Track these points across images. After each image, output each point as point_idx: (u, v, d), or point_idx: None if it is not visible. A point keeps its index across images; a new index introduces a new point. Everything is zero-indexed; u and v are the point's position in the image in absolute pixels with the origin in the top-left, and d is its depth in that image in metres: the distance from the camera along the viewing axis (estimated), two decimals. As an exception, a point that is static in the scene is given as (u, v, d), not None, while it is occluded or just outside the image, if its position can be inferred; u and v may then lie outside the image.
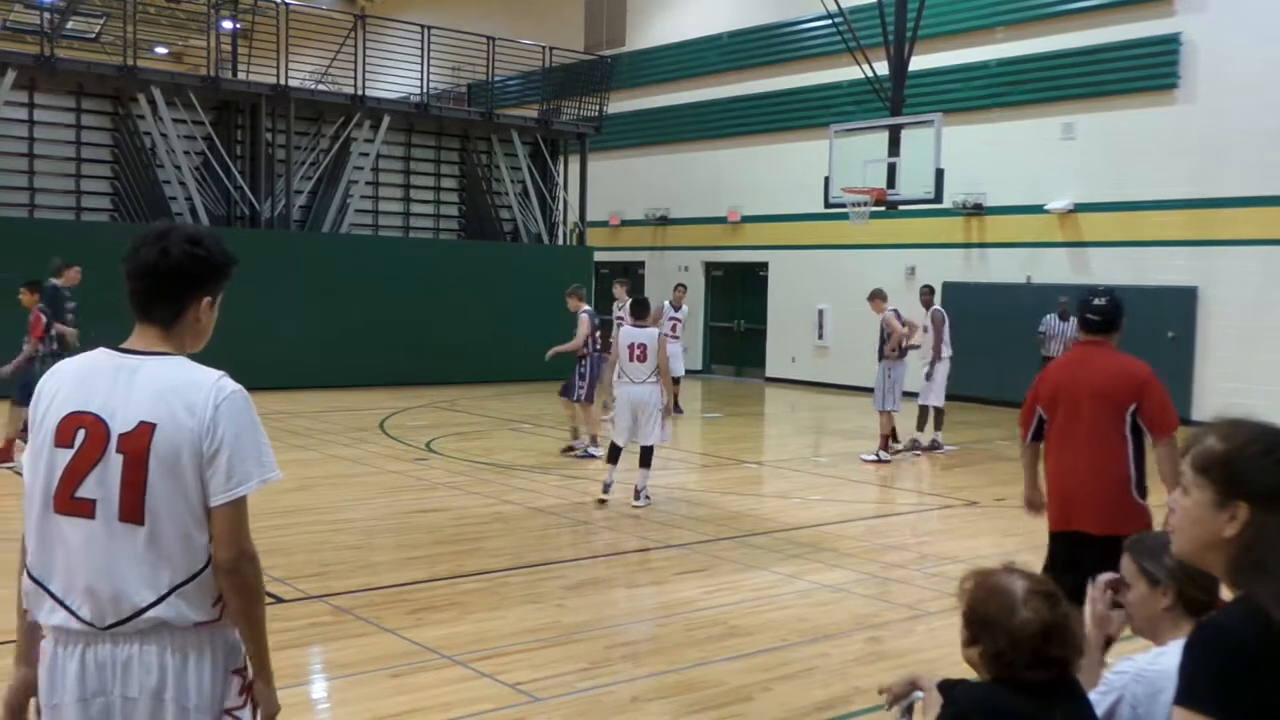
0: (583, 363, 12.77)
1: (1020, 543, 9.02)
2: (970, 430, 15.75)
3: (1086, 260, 18.36)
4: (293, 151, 20.11)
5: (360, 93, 20.87)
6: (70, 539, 2.53)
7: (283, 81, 20.00)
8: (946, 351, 13.98)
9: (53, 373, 2.66)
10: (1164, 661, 2.72)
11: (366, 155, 21.20)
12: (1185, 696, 1.83)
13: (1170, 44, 17.31)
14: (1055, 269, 18.67)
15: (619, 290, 15.09)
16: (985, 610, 2.56)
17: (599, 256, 24.41)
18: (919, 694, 3.09)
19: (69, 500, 2.53)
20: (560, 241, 23.77)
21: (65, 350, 11.16)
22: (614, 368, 10.30)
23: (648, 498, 10.09)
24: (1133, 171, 17.67)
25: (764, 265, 23.64)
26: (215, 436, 2.53)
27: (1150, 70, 17.53)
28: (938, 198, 15.73)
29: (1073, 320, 15.60)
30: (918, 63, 17.83)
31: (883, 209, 17.19)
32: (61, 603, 2.54)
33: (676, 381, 17.02)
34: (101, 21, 23.80)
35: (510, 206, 23.00)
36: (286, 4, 20.33)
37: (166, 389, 2.54)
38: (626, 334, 10.29)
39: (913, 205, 17.06)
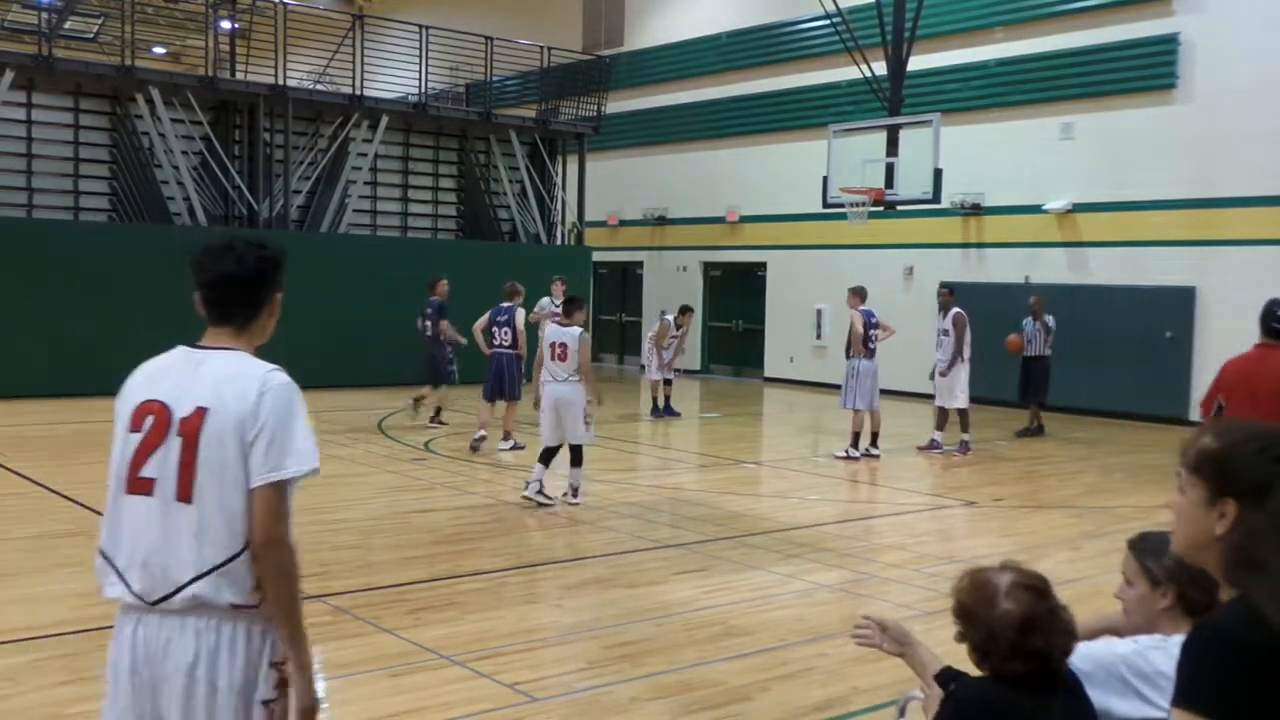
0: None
1: (1018, 543, 9.04)
2: (972, 430, 15.75)
3: (1085, 260, 18.37)
4: (291, 151, 20.10)
5: (358, 93, 20.87)
6: (134, 517, 2.75)
7: (281, 81, 19.99)
8: (967, 353, 13.98)
9: (141, 366, 2.91)
10: (1166, 649, 2.71)
11: (365, 155, 21.20)
12: (1182, 697, 1.83)
13: (1168, 44, 17.32)
14: (1054, 269, 18.68)
15: (557, 288, 15.06)
16: (970, 604, 2.58)
17: (597, 256, 24.41)
18: (915, 694, 3.09)
19: (135, 480, 2.76)
20: (559, 241, 23.76)
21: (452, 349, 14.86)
22: (539, 367, 10.18)
23: (580, 494, 10.05)
24: (1131, 171, 17.68)
25: (762, 265, 23.64)
26: (258, 423, 2.72)
27: (1149, 70, 17.54)
28: (936, 198, 15.72)
29: (1047, 318, 15.59)
30: (916, 63, 17.82)
31: (881, 209, 17.17)
32: (121, 576, 2.74)
33: (668, 383, 17.11)
34: (99, 21, 23.77)
35: (508, 206, 22.99)
36: (284, 4, 20.32)
37: (223, 378, 2.77)
38: (550, 332, 10.34)
39: (911, 205, 17.05)
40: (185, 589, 2.69)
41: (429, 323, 14.94)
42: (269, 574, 2.72)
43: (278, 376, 2.82)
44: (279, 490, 2.72)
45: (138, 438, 2.77)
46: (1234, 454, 1.92)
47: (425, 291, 15.28)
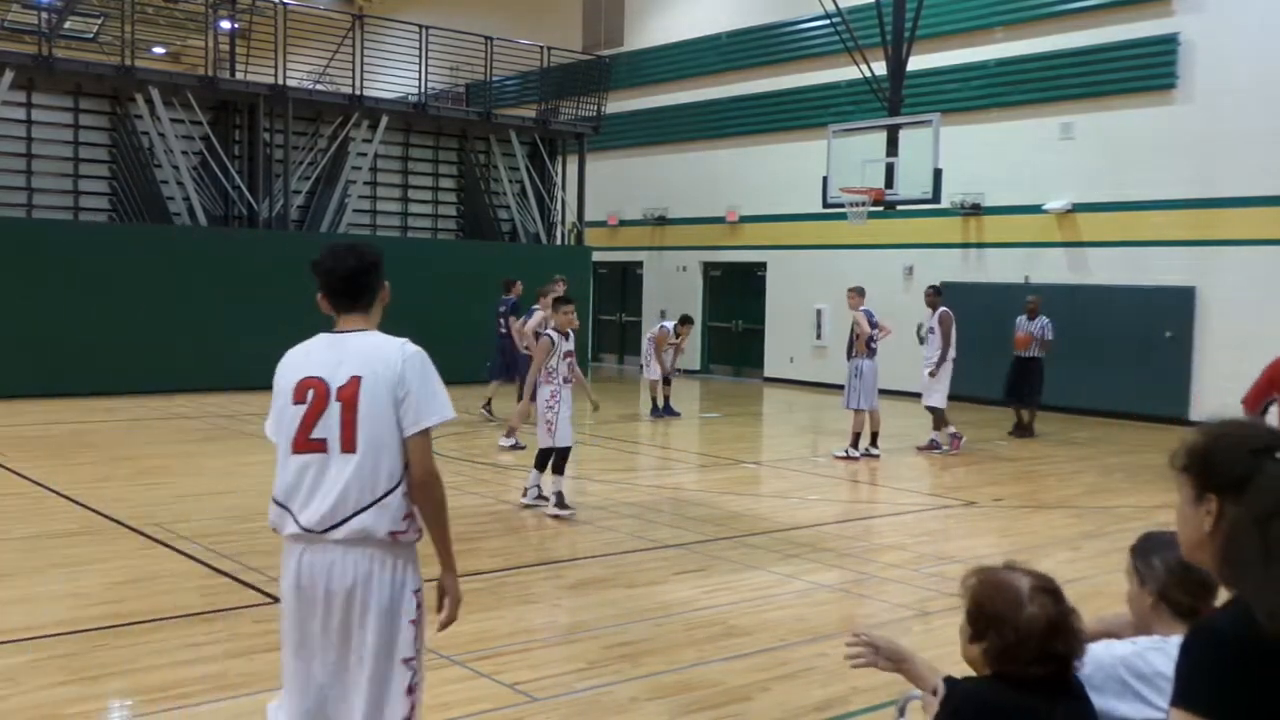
0: None
1: (1018, 543, 9.04)
2: (967, 430, 15.74)
3: (1085, 260, 18.37)
4: (291, 151, 20.10)
5: (358, 93, 20.86)
6: (305, 469, 3.44)
7: (281, 81, 19.99)
8: (952, 353, 13.98)
9: (289, 353, 3.61)
10: (1165, 649, 2.72)
11: (364, 155, 21.20)
12: (1181, 698, 1.83)
13: (1168, 44, 17.32)
14: (1053, 269, 18.68)
15: (559, 288, 14.92)
16: (992, 606, 2.57)
17: (597, 256, 24.41)
18: (915, 694, 3.08)
19: (305, 441, 3.44)
20: (559, 241, 23.76)
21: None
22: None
23: (560, 507, 9.52)
24: (1131, 171, 17.68)
25: (762, 265, 23.64)
26: (404, 384, 3.42)
27: (1148, 70, 17.54)
28: (936, 198, 15.72)
29: (1041, 319, 15.54)
30: (916, 63, 17.83)
31: (881, 209, 17.18)
32: (295, 518, 3.44)
33: (667, 383, 17.10)
34: (99, 21, 23.76)
35: (508, 206, 22.99)
36: (284, 4, 20.32)
37: (369, 351, 3.47)
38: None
39: (911, 205, 17.06)
40: (351, 520, 3.37)
41: (503, 320, 15.90)
42: (425, 500, 3.46)
43: (411, 346, 3.50)
44: (426, 437, 3.44)
45: (302, 408, 3.45)
46: (1216, 448, 1.91)
47: (500, 290, 16.47)
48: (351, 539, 3.38)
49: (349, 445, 3.39)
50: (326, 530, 3.38)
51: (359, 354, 3.46)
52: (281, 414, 3.50)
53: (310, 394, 3.44)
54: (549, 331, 9.96)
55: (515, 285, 16.24)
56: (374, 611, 3.40)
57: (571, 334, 10.03)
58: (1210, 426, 1.97)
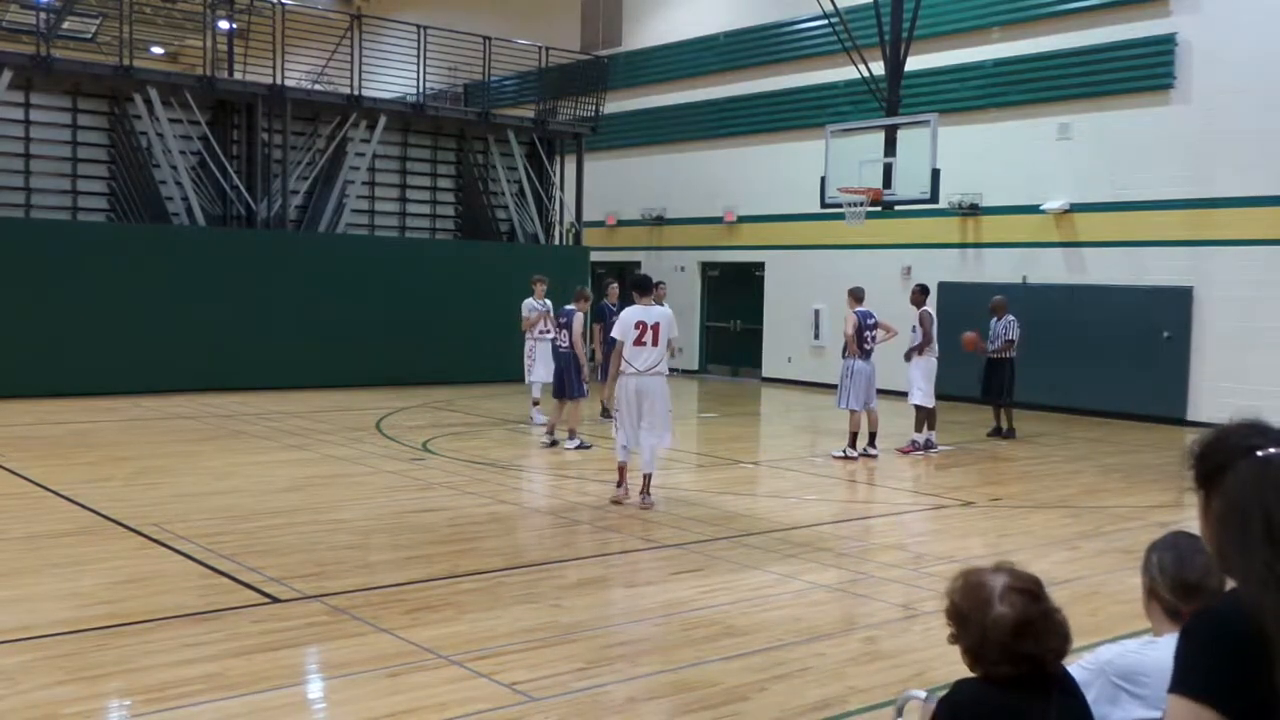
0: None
1: (1015, 543, 9.04)
2: (966, 430, 15.77)
3: (1082, 260, 18.39)
4: (289, 151, 20.10)
5: (356, 93, 20.87)
6: (642, 352, 9.98)
7: (279, 81, 20.00)
8: (935, 350, 14.04)
9: (629, 309, 10.23)
10: (1153, 650, 2.74)
11: (363, 155, 21.20)
12: (1178, 684, 1.83)
13: (1165, 44, 17.34)
14: (1051, 269, 18.70)
15: (542, 287, 15.47)
16: (963, 605, 2.58)
17: (595, 256, 24.42)
18: (913, 694, 3.09)
19: (639, 341, 9.97)
20: (557, 241, 23.78)
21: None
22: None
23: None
24: (1128, 171, 17.70)
25: (760, 265, 23.65)
26: (670, 324, 10.26)
27: (1146, 70, 17.55)
28: (933, 198, 15.72)
29: (1007, 317, 15.51)
30: (914, 63, 17.84)
31: (879, 209, 17.19)
32: (634, 367, 9.96)
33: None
34: (98, 22, 23.77)
35: (506, 206, 23.00)
36: (283, 4, 20.32)
37: (662, 312, 10.27)
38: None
39: (909, 205, 17.07)
40: (655, 367, 10.03)
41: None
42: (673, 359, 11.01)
43: (670, 311, 10.54)
44: (674, 340, 10.56)
45: (638, 331, 9.92)
46: (1209, 444, 1.92)
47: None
48: (655, 374, 9.94)
49: (655, 343, 9.87)
50: (647, 370, 9.87)
51: (659, 314, 10.05)
52: (628, 331, 9.84)
53: (641, 325, 9.87)
54: None
55: (612, 286, 16.82)
56: (659, 397, 9.99)
57: None
58: (1226, 424, 1.99)
